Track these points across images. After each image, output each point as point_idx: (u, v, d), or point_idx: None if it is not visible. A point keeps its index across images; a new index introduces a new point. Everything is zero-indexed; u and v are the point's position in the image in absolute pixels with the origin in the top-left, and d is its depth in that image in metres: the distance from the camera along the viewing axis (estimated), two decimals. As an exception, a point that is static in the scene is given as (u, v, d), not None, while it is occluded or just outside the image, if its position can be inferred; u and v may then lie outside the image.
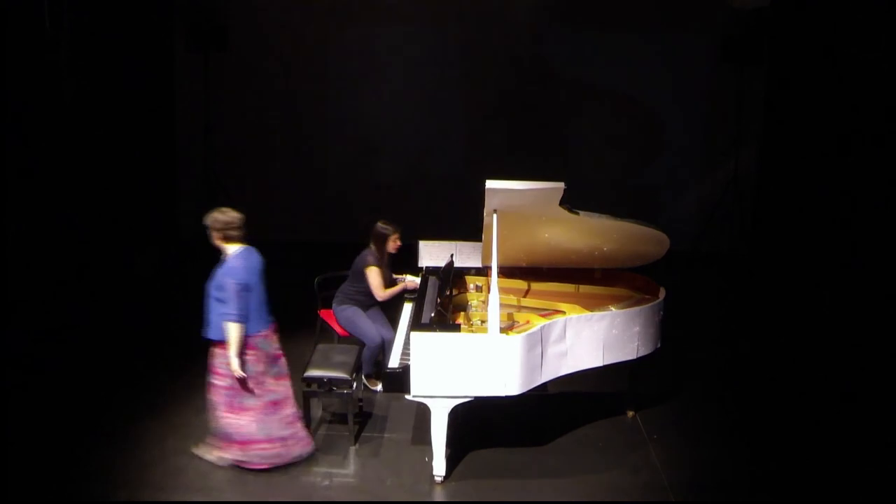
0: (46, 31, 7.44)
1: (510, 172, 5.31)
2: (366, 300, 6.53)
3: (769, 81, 9.88)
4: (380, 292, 6.45)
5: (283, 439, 5.49)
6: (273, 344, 5.52)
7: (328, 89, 10.17)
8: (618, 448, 5.92)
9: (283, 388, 5.52)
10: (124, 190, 8.83)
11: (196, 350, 7.23)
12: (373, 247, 6.50)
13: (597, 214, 5.81)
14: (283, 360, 5.60)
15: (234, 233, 5.41)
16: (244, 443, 5.42)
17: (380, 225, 6.52)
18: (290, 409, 5.55)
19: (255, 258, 5.49)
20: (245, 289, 5.24)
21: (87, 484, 5.35)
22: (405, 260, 6.89)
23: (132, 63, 8.97)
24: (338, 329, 6.68)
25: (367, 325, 6.47)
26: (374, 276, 6.41)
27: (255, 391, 5.38)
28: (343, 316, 6.57)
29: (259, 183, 10.24)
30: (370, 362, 6.49)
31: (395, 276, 6.68)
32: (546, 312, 5.94)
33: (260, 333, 5.38)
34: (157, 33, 9.64)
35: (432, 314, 5.44)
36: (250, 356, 5.35)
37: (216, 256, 5.89)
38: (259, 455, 5.44)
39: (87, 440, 5.80)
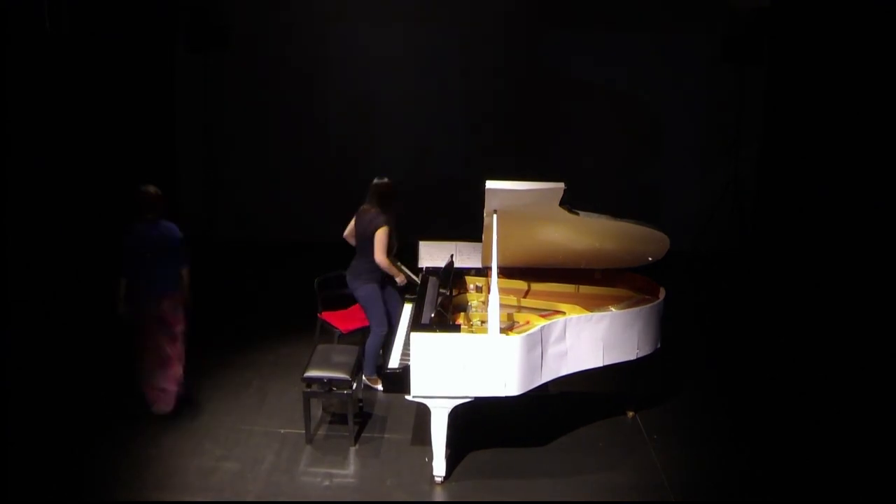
0: (46, 31, 7.43)
1: (510, 172, 5.32)
2: (382, 275, 6.37)
3: (769, 81, 9.87)
4: (384, 257, 6.23)
5: (163, 391, 6.09)
6: (164, 310, 6.03)
7: (328, 89, 10.16)
8: (618, 448, 5.92)
9: (174, 351, 6.12)
10: (124, 190, 8.82)
11: (195, 350, 7.25)
12: (375, 209, 6.31)
13: (597, 214, 5.81)
14: (179, 329, 6.14)
15: (143, 205, 5.95)
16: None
17: (379, 182, 6.31)
18: (177, 370, 6.16)
19: (159, 231, 6.00)
20: (130, 252, 5.93)
21: (87, 484, 5.35)
22: (405, 261, 6.89)
23: (132, 63, 8.96)
24: (339, 326, 6.68)
25: (381, 310, 6.38)
26: (386, 236, 6.20)
27: (148, 343, 6.03)
28: (361, 294, 6.41)
29: (259, 183, 10.23)
30: (374, 355, 6.45)
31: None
32: (546, 313, 5.94)
33: (153, 296, 5.98)
34: (157, 33, 9.62)
35: (432, 314, 5.44)
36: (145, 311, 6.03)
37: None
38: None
39: (86, 440, 5.81)
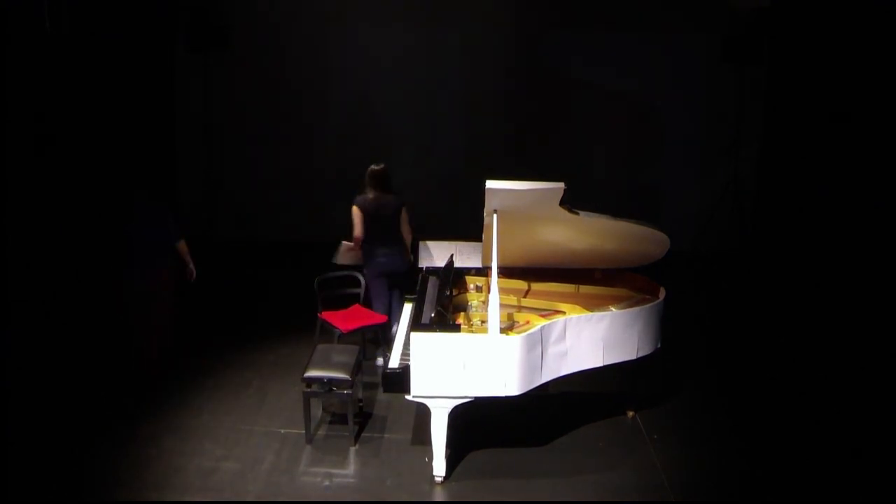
0: (46, 31, 7.43)
1: (510, 172, 5.31)
2: None
3: (769, 81, 9.87)
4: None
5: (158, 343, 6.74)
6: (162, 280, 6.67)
7: (328, 89, 10.16)
8: (618, 448, 5.92)
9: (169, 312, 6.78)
10: (123, 190, 8.82)
11: (195, 350, 7.26)
12: (388, 192, 6.79)
13: (597, 214, 5.81)
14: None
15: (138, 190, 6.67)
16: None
17: (377, 168, 6.84)
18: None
19: (147, 212, 6.59)
20: (131, 234, 6.56)
21: (87, 484, 5.35)
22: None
23: (132, 63, 8.96)
24: (339, 326, 6.67)
25: None
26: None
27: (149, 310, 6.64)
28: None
29: (259, 183, 10.23)
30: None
31: None
32: (546, 313, 5.93)
33: (154, 269, 6.60)
34: (157, 33, 9.62)
35: (432, 314, 5.44)
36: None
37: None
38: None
39: (86, 440, 5.80)
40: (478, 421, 5.88)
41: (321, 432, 6.03)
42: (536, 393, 5.58)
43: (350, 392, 5.80)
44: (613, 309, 5.87)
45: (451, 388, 5.25)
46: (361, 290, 6.95)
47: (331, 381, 5.76)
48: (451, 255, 6.43)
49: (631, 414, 6.34)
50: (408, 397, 5.31)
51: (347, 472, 5.60)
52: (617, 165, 10.22)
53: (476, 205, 5.63)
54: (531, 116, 10.15)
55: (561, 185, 5.32)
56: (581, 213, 5.66)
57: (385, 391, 6.45)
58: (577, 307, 5.92)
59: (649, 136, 10.25)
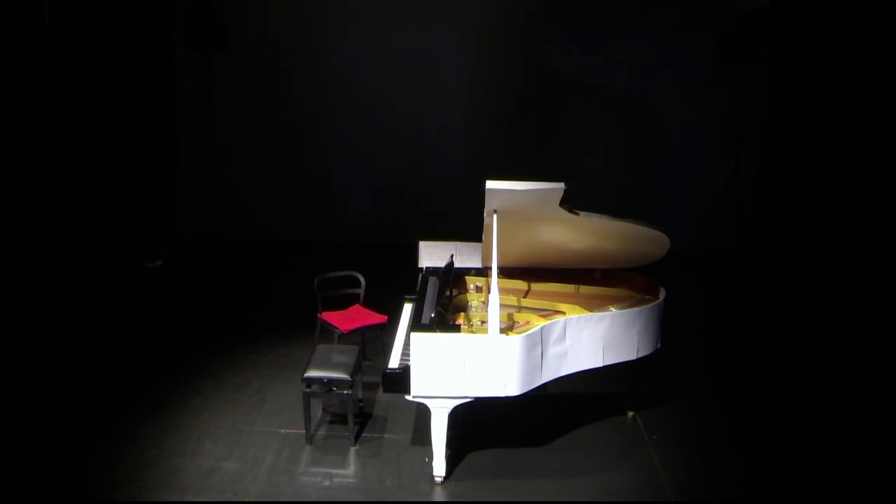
0: (46, 31, 7.44)
1: (510, 172, 5.32)
2: None
3: (769, 81, 9.88)
4: None
5: None
6: None
7: (328, 89, 10.16)
8: (618, 448, 5.92)
9: None
10: (124, 190, 8.83)
11: (195, 349, 7.27)
12: None
13: (597, 214, 5.80)
14: None
15: None
16: None
17: None
18: None
19: None
20: None
21: (87, 484, 5.35)
22: (405, 261, 6.89)
23: (132, 63, 8.97)
24: (339, 326, 6.68)
25: None
26: None
27: None
28: None
29: (259, 183, 10.24)
30: None
31: None
32: (546, 313, 5.93)
33: None
34: (157, 33, 9.63)
35: (432, 314, 5.44)
36: None
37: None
38: None
39: (86, 440, 5.80)
40: (478, 421, 5.88)
41: (321, 432, 6.03)
42: (536, 393, 5.58)
43: (350, 392, 5.80)
44: (613, 309, 5.86)
45: (451, 389, 5.25)
46: (361, 291, 6.95)
47: (331, 381, 5.76)
48: (451, 256, 6.42)
49: (631, 414, 6.34)
50: (408, 397, 5.31)
51: (347, 472, 5.60)
52: (617, 165, 10.22)
53: (476, 205, 5.63)
54: (531, 116, 10.15)
55: (561, 185, 5.32)
56: (581, 213, 5.65)
57: (385, 391, 6.46)
58: (577, 307, 5.92)
59: (649, 136, 10.25)
